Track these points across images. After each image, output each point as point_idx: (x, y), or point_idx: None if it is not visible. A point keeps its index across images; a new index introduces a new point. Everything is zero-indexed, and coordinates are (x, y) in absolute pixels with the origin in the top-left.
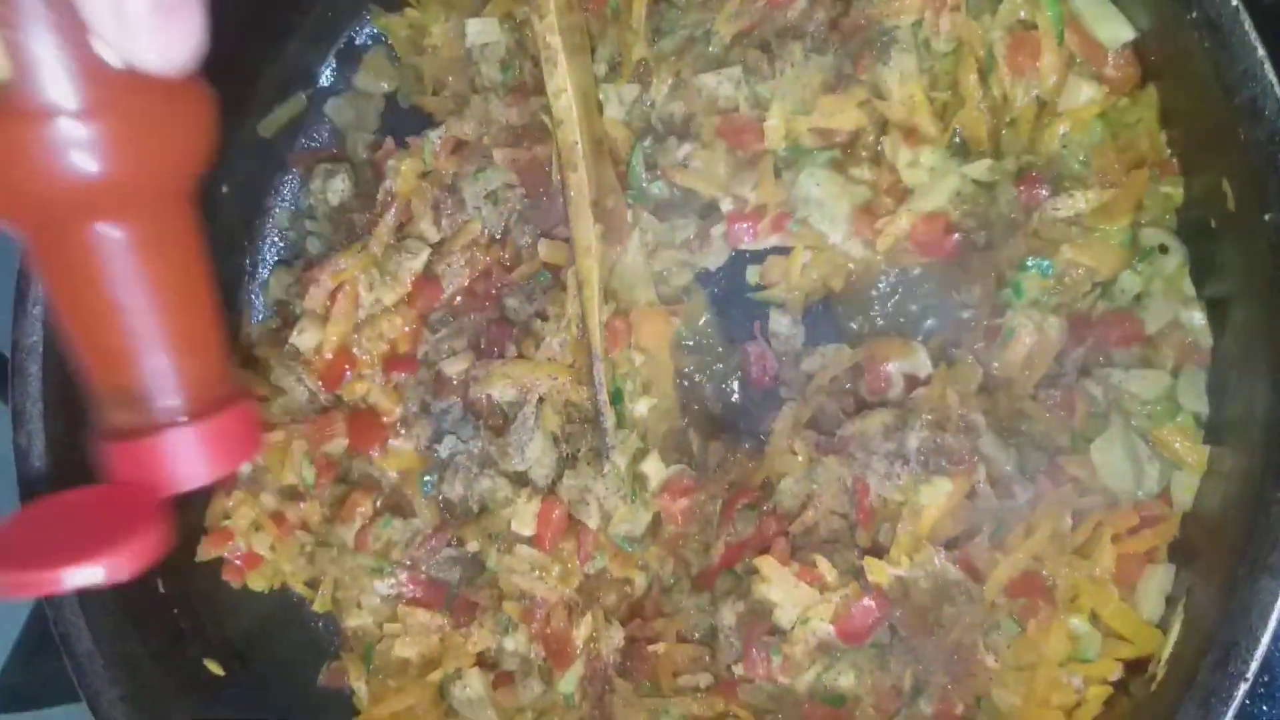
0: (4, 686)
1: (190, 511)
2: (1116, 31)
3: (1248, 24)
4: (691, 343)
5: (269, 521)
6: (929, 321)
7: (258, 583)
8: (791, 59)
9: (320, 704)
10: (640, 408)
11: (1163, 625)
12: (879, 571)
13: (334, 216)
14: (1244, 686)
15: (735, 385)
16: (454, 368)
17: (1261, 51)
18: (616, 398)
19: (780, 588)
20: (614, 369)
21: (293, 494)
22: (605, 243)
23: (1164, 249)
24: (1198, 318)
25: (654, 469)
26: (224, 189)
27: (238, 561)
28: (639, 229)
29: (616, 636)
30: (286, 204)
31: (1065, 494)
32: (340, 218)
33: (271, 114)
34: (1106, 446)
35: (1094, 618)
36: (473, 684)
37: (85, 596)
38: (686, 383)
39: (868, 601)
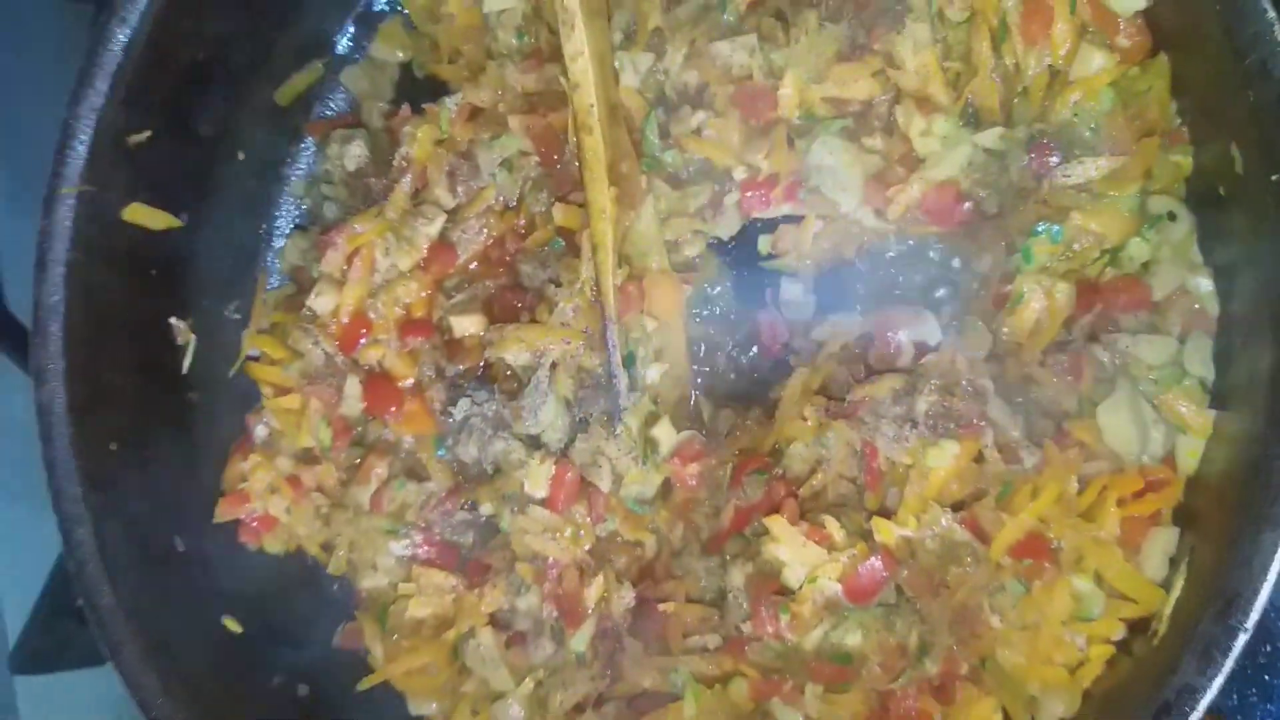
0: (24, 649)
1: (207, 473)
2: (1130, 0)
3: None
4: (704, 311)
5: (285, 484)
6: (940, 290)
7: (273, 545)
8: (806, 27)
9: (336, 663)
10: (652, 373)
11: (1165, 586)
12: (886, 532)
13: (350, 182)
14: (1243, 638)
15: (747, 353)
16: (464, 329)
17: (1271, 14)
18: (629, 361)
19: (789, 547)
20: (626, 334)
21: (309, 457)
22: (619, 207)
23: (1172, 216)
24: (1205, 284)
25: (665, 434)
26: (241, 156)
27: (254, 524)
28: (652, 196)
29: (627, 597)
30: (303, 171)
31: (1071, 458)
32: (357, 183)
33: (288, 82)
34: (1113, 410)
35: (1098, 578)
36: (486, 643)
37: (106, 553)
38: (699, 350)
39: (875, 561)
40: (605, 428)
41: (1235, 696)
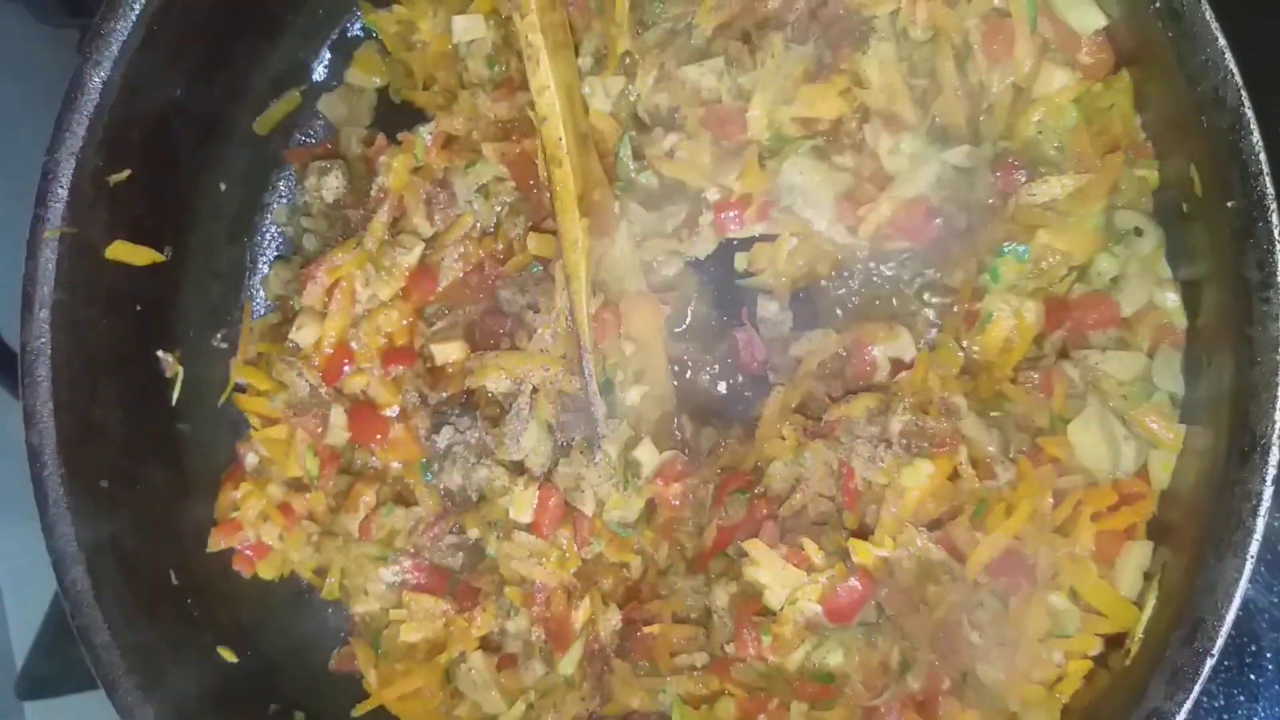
0: (28, 675)
1: (199, 503)
2: (1088, 19)
3: (1209, 14)
4: (682, 329)
5: (276, 512)
6: (912, 307)
7: (267, 572)
8: (772, 50)
9: (332, 688)
10: (632, 396)
11: (1140, 601)
12: (863, 552)
13: (329, 213)
14: (1210, 662)
15: (727, 371)
16: (446, 356)
17: (1222, 41)
18: (607, 388)
19: (769, 570)
20: (604, 359)
21: (299, 485)
22: (592, 236)
23: (1139, 232)
24: (1172, 299)
25: (647, 455)
26: (222, 186)
27: (247, 552)
28: (626, 220)
29: (614, 619)
30: (284, 199)
31: (1045, 474)
32: (335, 214)
33: (266, 111)
34: (1083, 427)
35: (1073, 594)
36: (477, 666)
37: (101, 590)
38: (678, 369)
39: (853, 582)
40: (585, 454)
41: (1222, 698)
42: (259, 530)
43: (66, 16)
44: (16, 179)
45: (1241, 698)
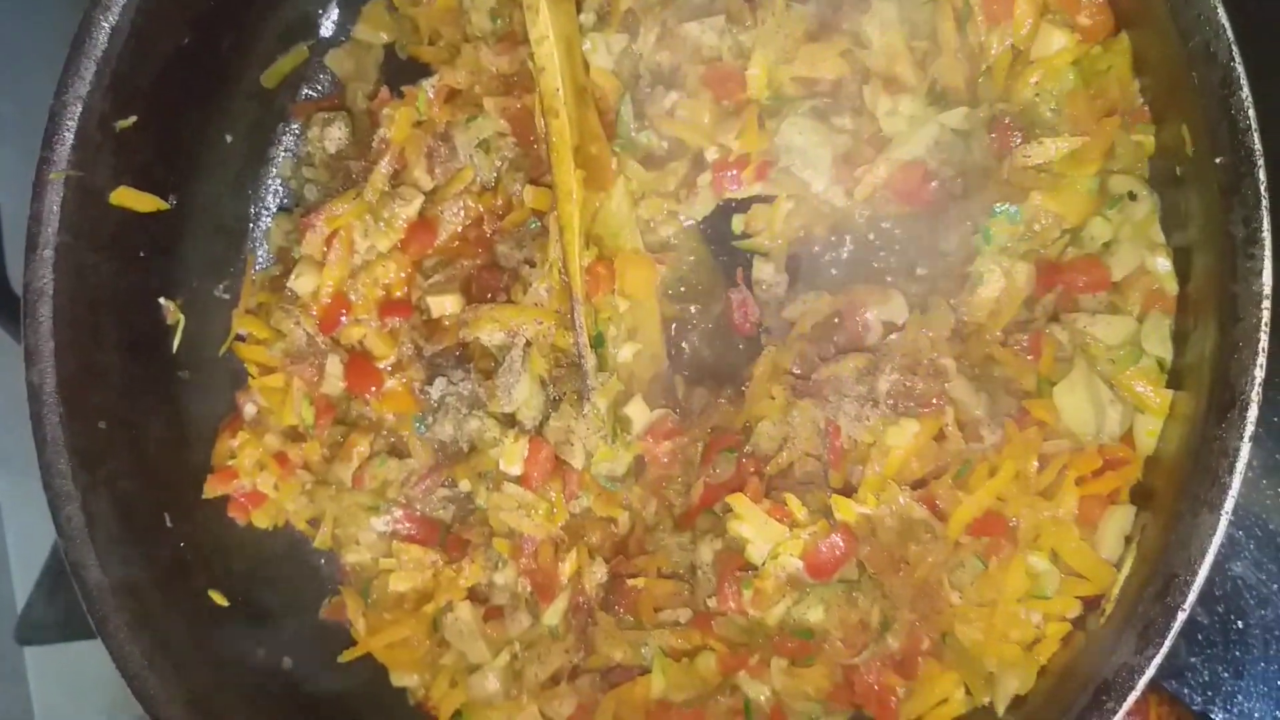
0: (28, 620)
1: (196, 450)
2: None
3: None
4: (678, 290)
5: (272, 461)
6: (907, 270)
7: (262, 520)
8: (773, 8)
9: (320, 636)
10: (624, 353)
11: (1118, 564)
12: (846, 509)
13: (331, 164)
14: (1181, 617)
15: (721, 332)
16: (442, 309)
17: None
18: (599, 342)
19: (752, 524)
20: (596, 314)
21: (295, 435)
22: (587, 189)
23: (1133, 196)
24: (1163, 264)
25: (638, 412)
26: (228, 138)
27: (242, 500)
28: (624, 177)
29: (600, 572)
30: (289, 153)
31: (1030, 437)
32: (338, 165)
33: (274, 64)
34: (1069, 390)
35: (1054, 556)
36: (463, 617)
37: (95, 528)
38: (673, 329)
39: (835, 539)
40: (575, 406)
41: (1207, 674)
42: (255, 479)
43: None
44: (25, 120)
45: (1226, 674)
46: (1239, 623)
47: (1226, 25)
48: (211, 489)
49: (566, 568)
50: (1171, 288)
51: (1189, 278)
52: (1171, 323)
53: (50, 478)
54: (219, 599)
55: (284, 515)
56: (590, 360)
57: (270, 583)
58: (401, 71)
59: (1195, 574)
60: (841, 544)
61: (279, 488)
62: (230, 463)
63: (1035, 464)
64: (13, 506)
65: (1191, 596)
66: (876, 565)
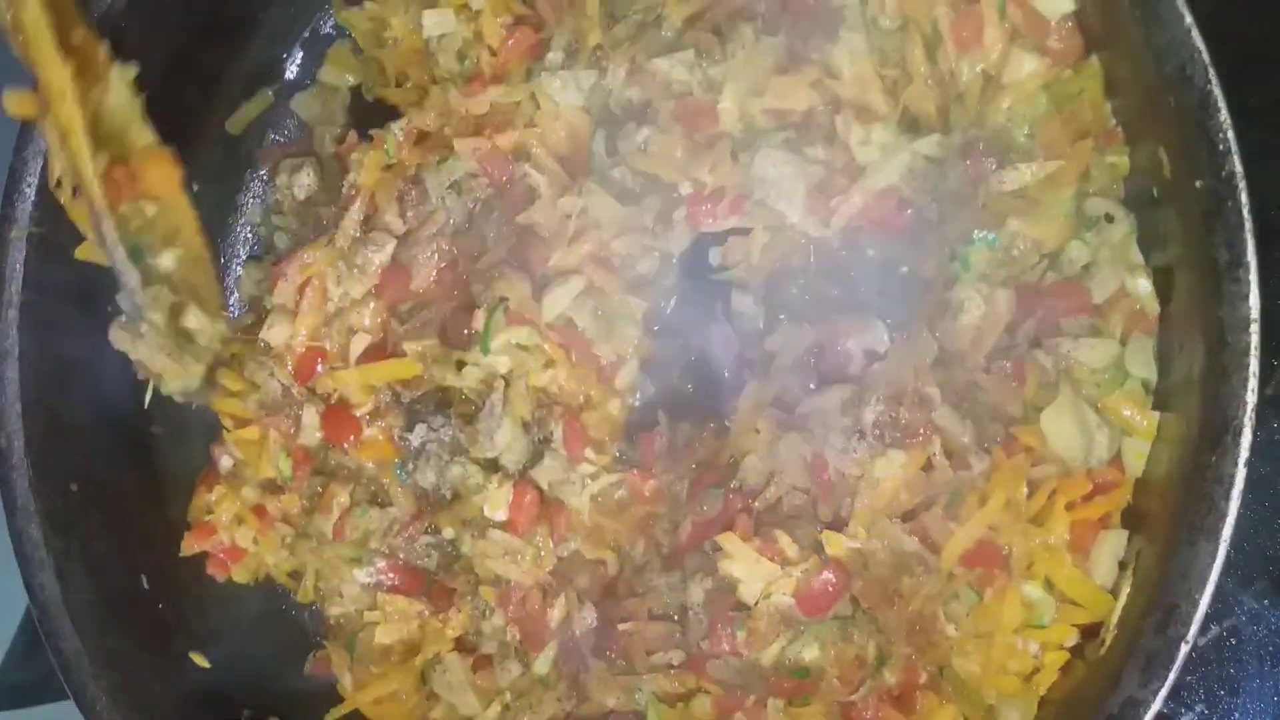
0: (2, 685)
1: (171, 507)
2: (1057, 3)
3: None
4: (658, 325)
5: (251, 515)
6: (886, 299)
7: (242, 575)
8: (743, 41)
9: (306, 692)
10: (166, 260)
11: (1114, 590)
12: (836, 544)
13: (301, 210)
14: (1185, 649)
15: (700, 366)
16: (416, 352)
17: (1189, 20)
18: (136, 256)
19: (742, 564)
20: (127, 224)
21: (273, 488)
22: (82, 83)
23: (1110, 218)
24: (1144, 285)
25: (197, 322)
26: (195, 187)
27: (221, 555)
28: (116, 64)
29: (590, 617)
30: (258, 199)
31: (1018, 463)
32: (307, 211)
33: (239, 111)
34: (1056, 416)
35: (1048, 584)
36: (452, 669)
37: (69, 595)
38: (656, 365)
39: (827, 574)
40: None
41: (1203, 692)
42: (233, 533)
43: None
44: None
45: (1223, 692)
46: (1232, 640)
47: (1202, 48)
48: (189, 546)
49: (556, 614)
50: (1153, 309)
51: (1170, 298)
52: (1155, 344)
53: (21, 544)
54: (200, 661)
55: (264, 569)
56: (132, 276)
57: (253, 640)
58: (369, 114)
59: (1196, 604)
60: (834, 580)
61: (258, 541)
62: (208, 518)
63: (1025, 490)
64: None
65: (1194, 628)
66: (870, 599)
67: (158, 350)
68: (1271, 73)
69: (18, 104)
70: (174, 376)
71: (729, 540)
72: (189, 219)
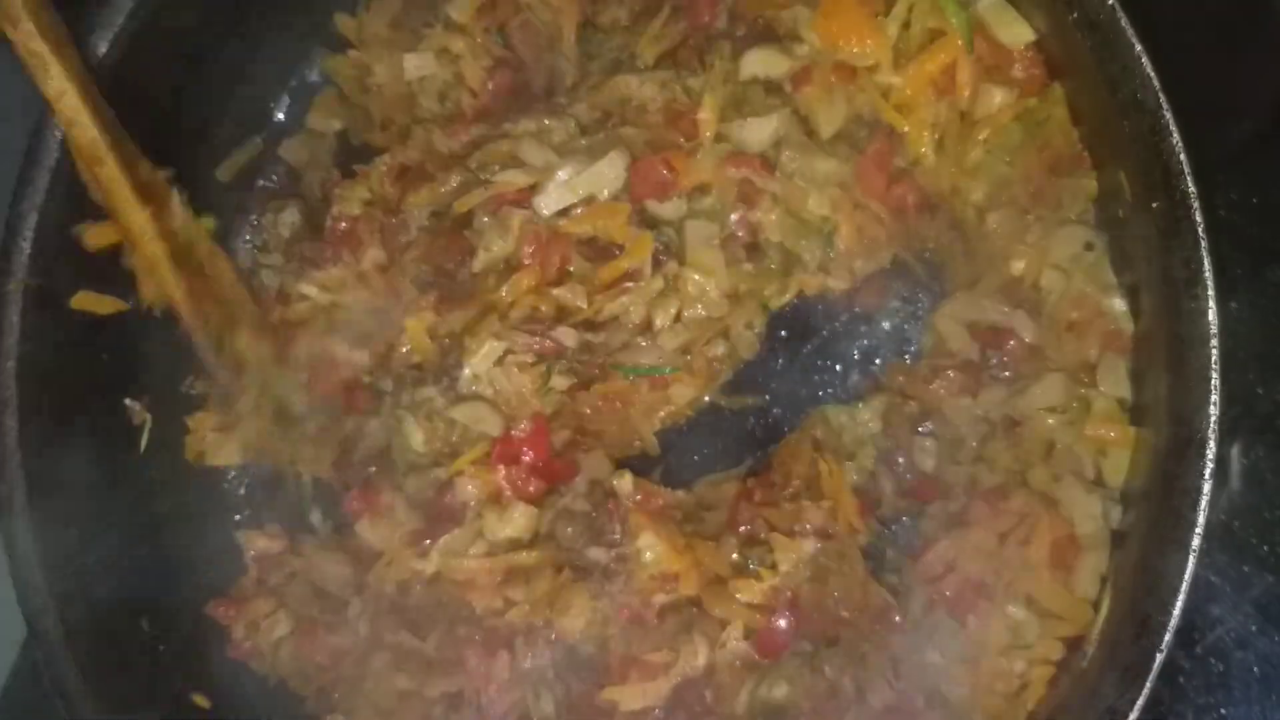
0: (6, 707)
1: (168, 549)
2: (1018, 33)
3: (1124, 21)
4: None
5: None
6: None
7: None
8: (720, 53)
9: None
10: (240, 341)
11: (1096, 604)
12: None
13: (287, 249)
14: (1159, 658)
15: None
16: None
17: (1139, 48)
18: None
19: None
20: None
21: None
22: (158, 218)
23: (1090, 247)
24: (1119, 304)
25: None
26: None
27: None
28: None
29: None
30: (249, 244)
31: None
32: (292, 250)
33: (229, 159)
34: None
35: (1030, 601)
36: None
37: (72, 639)
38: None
39: (779, 617)
40: None
41: (1192, 715)
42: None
43: None
44: None
45: (1210, 718)
46: (1220, 665)
47: (1152, 75)
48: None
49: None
50: (1127, 327)
51: (1138, 315)
52: (1127, 362)
53: (24, 590)
54: (202, 702)
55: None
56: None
57: (254, 682)
58: (355, 158)
59: (1169, 614)
60: (783, 625)
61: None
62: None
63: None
64: None
65: (1167, 637)
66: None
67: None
68: None
69: (99, 237)
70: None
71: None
72: (245, 300)
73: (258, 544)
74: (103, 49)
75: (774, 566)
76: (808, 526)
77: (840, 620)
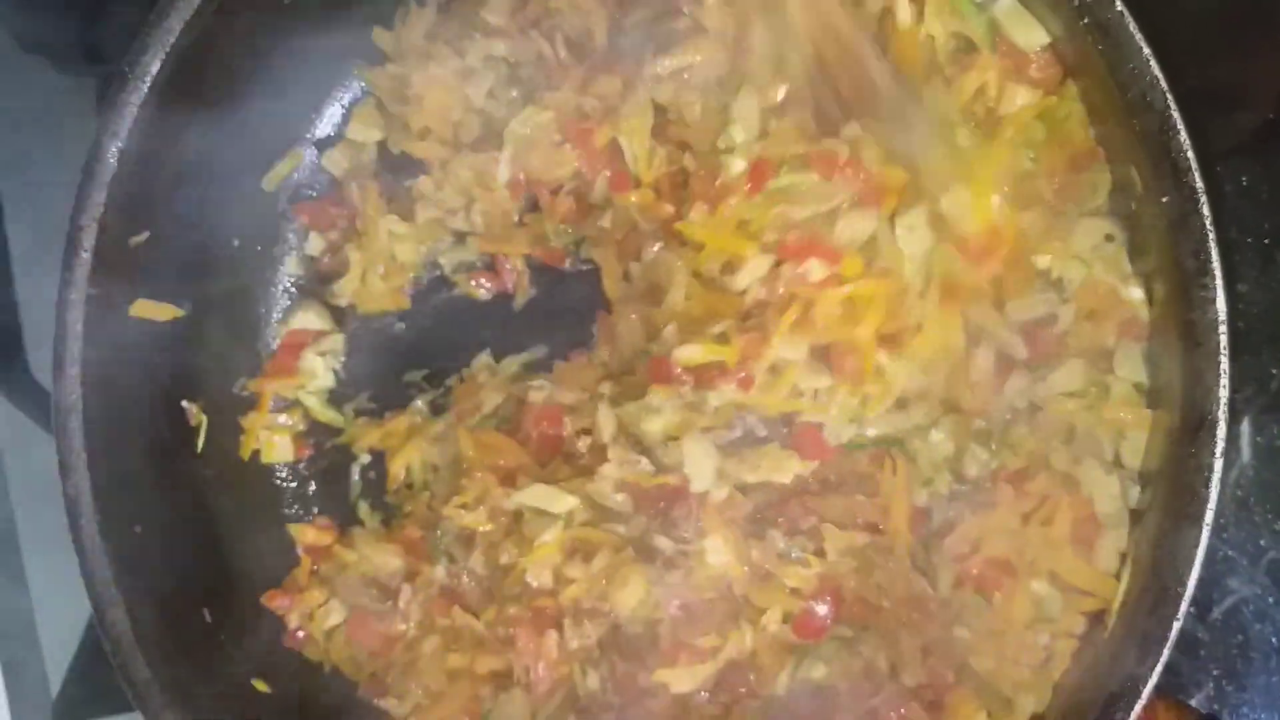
0: (65, 698)
1: (227, 545)
2: (1034, 36)
3: (1132, 25)
4: None
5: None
6: None
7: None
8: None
9: (363, 714)
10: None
11: (1117, 578)
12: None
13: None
14: (1176, 626)
15: None
16: None
17: (1147, 50)
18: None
19: None
20: None
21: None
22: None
23: (1110, 238)
24: (1136, 292)
25: None
26: (236, 243)
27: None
28: None
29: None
30: (293, 250)
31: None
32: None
33: (274, 168)
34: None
35: (1053, 577)
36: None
37: (139, 630)
38: None
39: (816, 605)
40: None
41: (1212, 687)
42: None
43: (85, 65)
44: (48, 221)
45: (1230, 688)
46: (1239, 637)
47: (1160, 76)
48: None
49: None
50: (1143, 314)
51: (1152, 304)
52: (1143, 348)
53: (93, 584)
54: (262, 686)
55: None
56: None
57: (309, 666)
58: (395, 166)
59: (1185, 585)
60: (822, 611)
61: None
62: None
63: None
64: (43, 589)
65: (1183, 607)
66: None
67: None
68: None
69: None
70: None
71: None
72: None
73: (308, 536)
74: (155, 67)
75: (821, 553)
76: (859, 520)
77: (879, 608)
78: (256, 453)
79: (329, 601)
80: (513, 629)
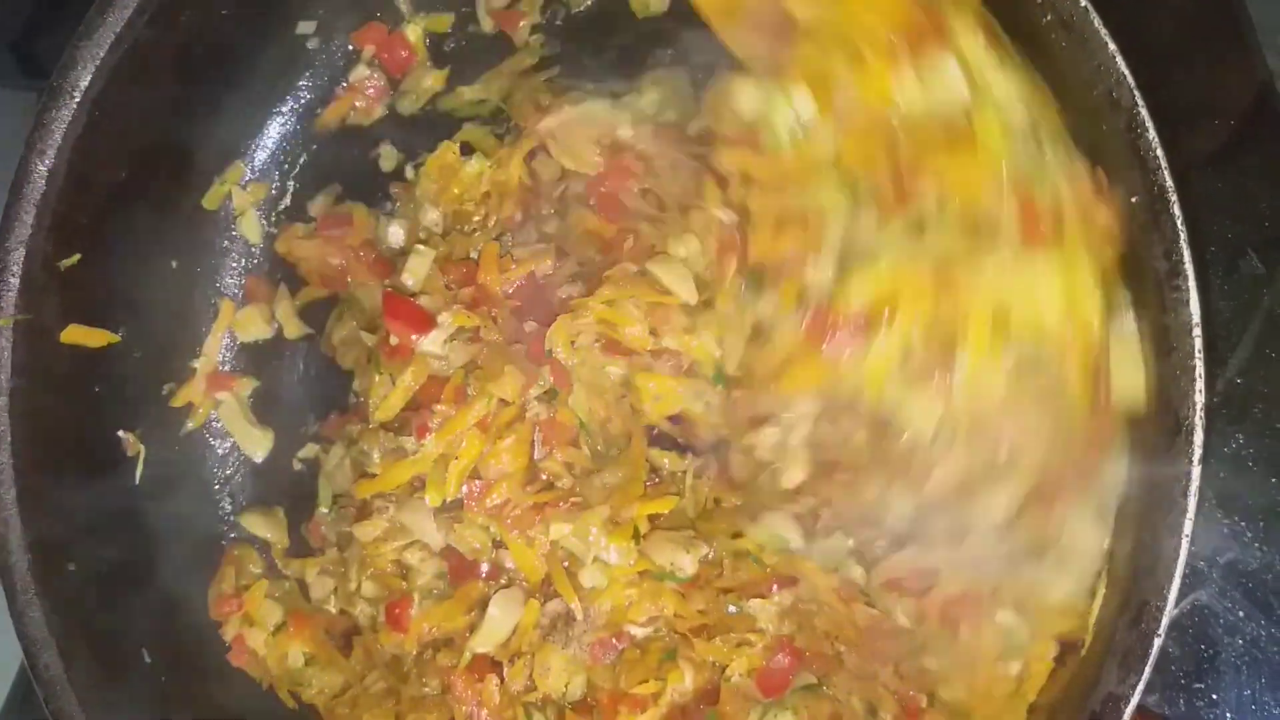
0: None
1: (167, 579)
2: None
3: (1097, 22)
4: None
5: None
6: None
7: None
8: None
9: None
10: None
11: (1092, 593)
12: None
13: None
14: (1158, 643)
15: None
16: None
17: (1112, 46)
18: None
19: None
20: None
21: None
22: None
23: None
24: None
25: None
26: (173, 264)
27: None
28: None
29: None
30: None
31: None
32: None
33: (213, 186)
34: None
35: (1019, 605)
36: None
37: (73, 673)
38: None
39: (780, 657)
40: None
41: (1183, 704)
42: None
43: (21, 79)
44: None
45: (1201, 704)
46: (1209, 651)
47: (1127, 72)
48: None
49: None
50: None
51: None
52: None
53: (24, 626)
54: None
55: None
56: None
57: (259, 710)
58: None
59: (1165, 599)
60: (785, 662)
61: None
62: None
63: None
64: None
65: (1164, 621)
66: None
67: None
68: None
69: None
70: None
71: None
72: None
73: (249, 566)
74: (84, 82)
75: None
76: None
77: (837, 652)
78: (200, 482)
79: (267, 600)
80: (447, 678)
